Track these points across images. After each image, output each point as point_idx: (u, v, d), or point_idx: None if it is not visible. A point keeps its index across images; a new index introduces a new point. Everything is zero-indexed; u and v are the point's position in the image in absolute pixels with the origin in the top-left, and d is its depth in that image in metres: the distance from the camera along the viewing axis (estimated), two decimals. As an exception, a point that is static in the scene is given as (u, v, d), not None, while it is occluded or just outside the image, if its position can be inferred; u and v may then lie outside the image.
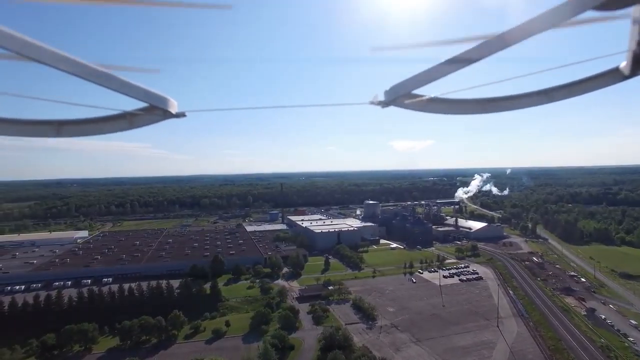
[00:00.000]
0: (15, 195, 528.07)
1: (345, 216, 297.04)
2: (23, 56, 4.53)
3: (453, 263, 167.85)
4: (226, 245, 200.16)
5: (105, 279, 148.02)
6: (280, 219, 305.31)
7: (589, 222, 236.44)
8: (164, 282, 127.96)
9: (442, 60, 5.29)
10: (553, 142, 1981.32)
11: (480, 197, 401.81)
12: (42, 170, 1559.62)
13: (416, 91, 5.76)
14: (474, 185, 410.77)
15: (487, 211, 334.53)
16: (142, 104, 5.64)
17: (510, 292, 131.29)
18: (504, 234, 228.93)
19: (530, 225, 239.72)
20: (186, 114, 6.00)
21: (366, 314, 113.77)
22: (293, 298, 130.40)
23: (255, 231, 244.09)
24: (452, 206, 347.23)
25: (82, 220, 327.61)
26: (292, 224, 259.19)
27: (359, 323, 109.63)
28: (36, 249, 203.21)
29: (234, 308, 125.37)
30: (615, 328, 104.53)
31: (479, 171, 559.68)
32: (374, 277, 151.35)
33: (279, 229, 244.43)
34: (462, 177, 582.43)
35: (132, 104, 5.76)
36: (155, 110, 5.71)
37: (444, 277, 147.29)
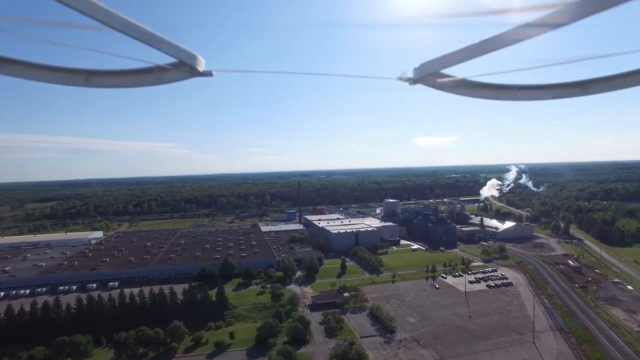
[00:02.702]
0: (41, 196, 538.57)
1: (365, 215, 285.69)
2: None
3: (479, 266, 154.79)
4: (239, 247, 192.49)
5: (111, 283, 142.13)
6: (298, 218, 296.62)
7: (629, 221, 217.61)
8: (167, 288, 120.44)
9: (475, 41, 5.18)
10: (581, 135, 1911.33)
11: (507, 194, 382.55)
12: (71, 171, 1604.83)
13: (445, 71, 5.67)
14: (505, 180, 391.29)
15: (514, 209, 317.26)
16: (170, 60, 5.58)
17: (545, 300, 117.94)
18: (534, 234, 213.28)
19: (562, 225, 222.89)
20: (213, 73, 5.96)
21: (384, 325, 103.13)
22: (305, 306, 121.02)
23: (270, 231, 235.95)
24: (477, 204, 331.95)
25: (99, 220, 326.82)
26: (308, 224, 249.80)
27: (376, 336, 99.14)
28: (48, 250, 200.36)
29: (241, 316, 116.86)
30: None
31: (503, 167, 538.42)
32: (393, 282, 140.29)
33: (295, 229, 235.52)
34: (486, 174, 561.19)
35: (160, 60, 5.66)
36: (183, 67, 5.69)
37: (470, 282, 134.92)
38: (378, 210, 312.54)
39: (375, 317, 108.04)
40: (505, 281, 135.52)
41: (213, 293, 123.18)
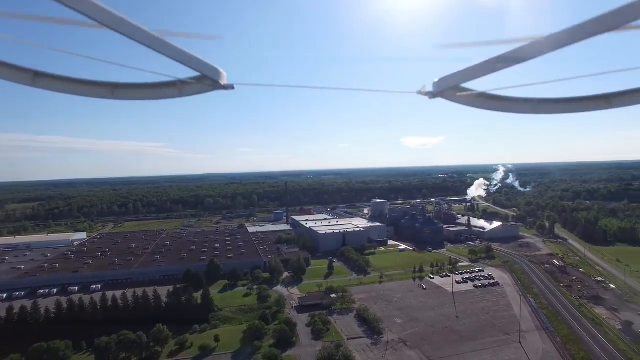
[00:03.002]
0: (23, 196, 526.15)
1: (352, 215, 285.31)
2: (84, 15, 4.77)
3: (466, 266, 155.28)
4: (225, 248, 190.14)
5: (94, 286, 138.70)
6: (285, 218, 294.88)
7: (612, 221, 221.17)
8: (151, 291, 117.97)
9: (493, 56, 5.29)
10: (566, 136, 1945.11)
11: (494, 194, 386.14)
12: (55, 171, 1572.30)
13: (465, 85, 5.76)
14: (492, 180, 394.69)
15: (500, 209, 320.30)
16: (193, 73, 5.74)
17: (532, 300, 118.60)
18: (520, 233, 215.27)
19: (547, 225, 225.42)
20: (234, 86, 6.10)
21: (371, 327, 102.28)
22: (292, 307, 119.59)
23: (257, 232, 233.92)
24: (464, 204, 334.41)
25: (82, 221, 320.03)
26: (296, 225, 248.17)
27: (363, 337, 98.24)
28: (28, 253, 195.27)
29: (227, 319, 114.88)
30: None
31: (491, 167, 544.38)
32: (380, 282, 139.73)
33: (282, 230, 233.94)
34: (473, 174, 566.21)
35: (182, 73, 5.84)
36: (205, 80, 5.83)
37: (457, 282, 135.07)
38: (366, 211, 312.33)
39: (363, 319, 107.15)
40: (492, 281, 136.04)
41: (198, 295, 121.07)
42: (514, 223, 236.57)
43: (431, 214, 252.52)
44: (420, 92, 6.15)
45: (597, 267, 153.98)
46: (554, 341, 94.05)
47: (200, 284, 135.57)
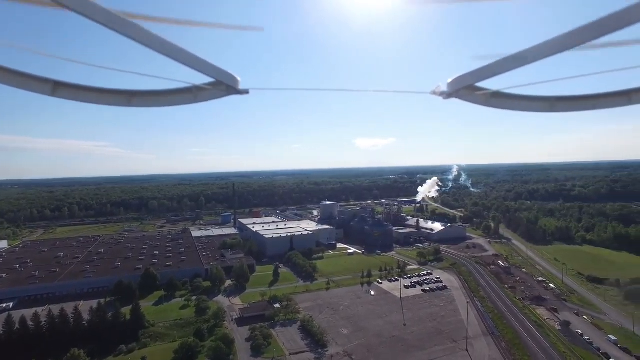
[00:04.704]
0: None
1: (302, 218, 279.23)
2: (101, 23, 4.86)
3: (415, 270, 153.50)
4: (165, 255, 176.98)
5: (6, 304, 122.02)
6: (233, 222, 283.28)
7: (550, 221, 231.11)
8: (72, 307, 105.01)
9: (507, 54, 5.27)
10: (512, 139, 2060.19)
11: (442, 195, 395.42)
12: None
13: (480, 84, 5.72)
14: (445, 181, 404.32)
15: (449, 210, 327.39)
16: (207, 79, 5.79)
17: (478, 304, 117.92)
18: (467, 234, 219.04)
19: (492, 225, 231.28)
20: (249, 91, 6.13)
21: (315, 340, 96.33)
22: (232, 320, 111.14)
23: (202, 237, 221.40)
24: (413, 205, 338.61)
25: (5, 227, 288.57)
26: (243, 228, 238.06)
27: (306, 351, 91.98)
28: None
29: (159, 336, 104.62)
30: (594, 346, 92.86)
31: (441, 168, 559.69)
32: (327, 289, 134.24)
33: (228, 234, 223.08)
34: (423, 175, 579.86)
35: (197, 79, 5.89)
36: (220, 86, 5.88)
37: (406, 287, 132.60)
38: (315, 213, 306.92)
39: (307, 330, 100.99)
40: (440, 285, 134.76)
41: (128, 310, 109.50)
42: (461, 224, 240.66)
43: (381, 216, 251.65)
44: (434, 93, 6.02)
45: (538, 267, 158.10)
46: (500, 346, 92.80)
47: (133, 296, 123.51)
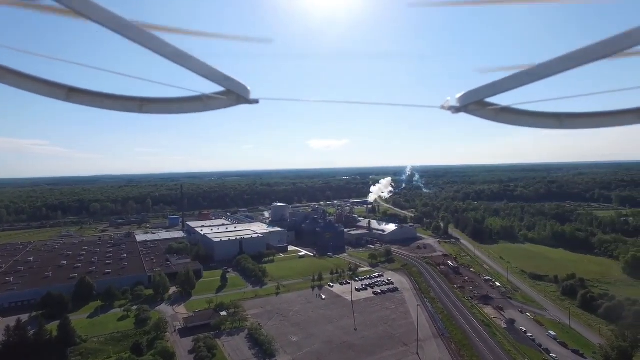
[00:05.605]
0: None
1: (253, 220, 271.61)
2: (112, 31, 4.89)
3: (366, 272, 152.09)
4: (104, 262, 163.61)
5: None
6: (181, 225, 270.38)
7: (495, 220, 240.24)
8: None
9: (518, 70, 5.27)
10: (460, 141, 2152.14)
11: (393, 196, 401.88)
12: None
13: (489, 100, 5.74)
14: (388, 183, 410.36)
15: (400, 210, 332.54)
16: (216, 88, 5.83)
17: (429, 305, 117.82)
18: (417, 235, 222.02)
19: (442, 225, 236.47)
20: (259, 100, 6.14)
21: (263, 349, 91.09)
22: (175, 330, 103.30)
23: (146, 241, 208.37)
24: (366, 206, 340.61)
25: None
26: (191, 231, 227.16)
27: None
28: None
29: (92, 352, 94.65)
30: (537, 342, 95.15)
31: (394, 169, 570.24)
32: (277, 294, 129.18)
33: (175, 238, 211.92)
34: (375, 176, 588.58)
35: (205, 88, 5.94)
36: (230, 95, 5.88)
37: (357, 290, 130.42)
38: (267, 214, 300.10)
39: (255, 339, 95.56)
40: (391, 287, 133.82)
41: (56, 326, 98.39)
42: (412, 224, 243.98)
43: (333, 217, 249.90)
44: (443, 107, 5.96)
45: (485, 266, 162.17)
46: (449, 348, 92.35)
47: (64, 309, 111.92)
